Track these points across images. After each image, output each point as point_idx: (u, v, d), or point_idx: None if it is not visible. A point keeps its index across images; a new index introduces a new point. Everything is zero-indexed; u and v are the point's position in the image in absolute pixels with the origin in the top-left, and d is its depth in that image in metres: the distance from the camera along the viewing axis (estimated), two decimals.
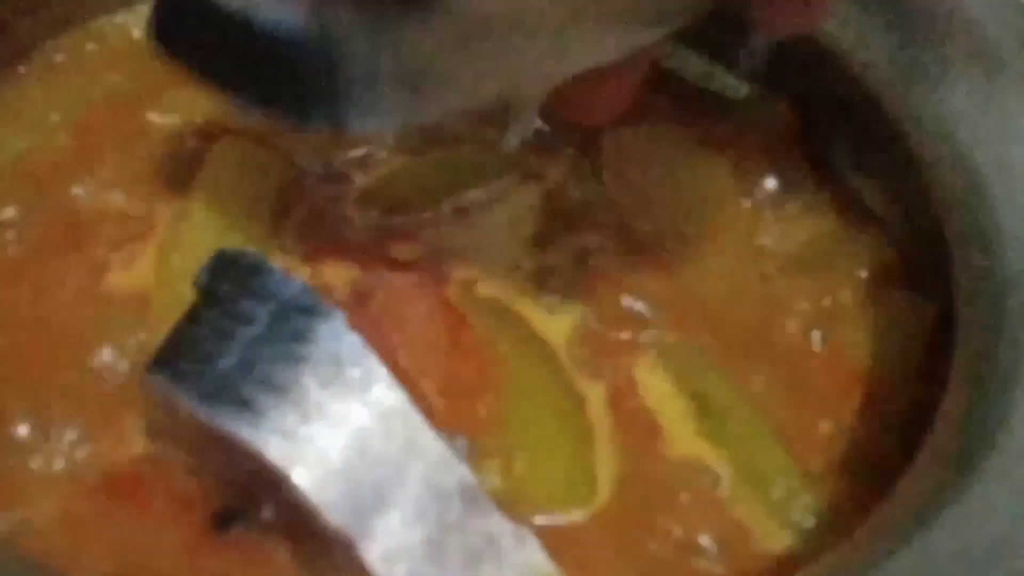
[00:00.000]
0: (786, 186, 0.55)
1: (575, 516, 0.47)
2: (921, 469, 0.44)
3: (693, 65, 0.59)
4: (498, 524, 0.44)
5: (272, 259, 0.47)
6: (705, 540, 0.47)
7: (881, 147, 0.54)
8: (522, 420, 0.48)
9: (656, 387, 0.50)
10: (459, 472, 0.43)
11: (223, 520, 0.45)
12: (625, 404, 0.49)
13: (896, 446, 0.48)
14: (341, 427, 0.42)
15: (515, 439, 0.48)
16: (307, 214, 0.53)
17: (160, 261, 0.51)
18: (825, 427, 0.49)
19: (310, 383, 0.42)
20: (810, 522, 0.47)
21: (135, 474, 0.46)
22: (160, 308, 0.49)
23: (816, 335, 0.51)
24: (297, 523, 0.43)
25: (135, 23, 0.57)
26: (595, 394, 0.50)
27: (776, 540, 0.47)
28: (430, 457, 0.43)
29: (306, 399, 0.42)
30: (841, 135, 0.56)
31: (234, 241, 0.50)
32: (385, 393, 0.42)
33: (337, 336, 0.42)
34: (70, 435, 0.46)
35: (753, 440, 0.49)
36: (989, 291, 0.48)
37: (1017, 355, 0.46)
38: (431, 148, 0.55)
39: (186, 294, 0.45)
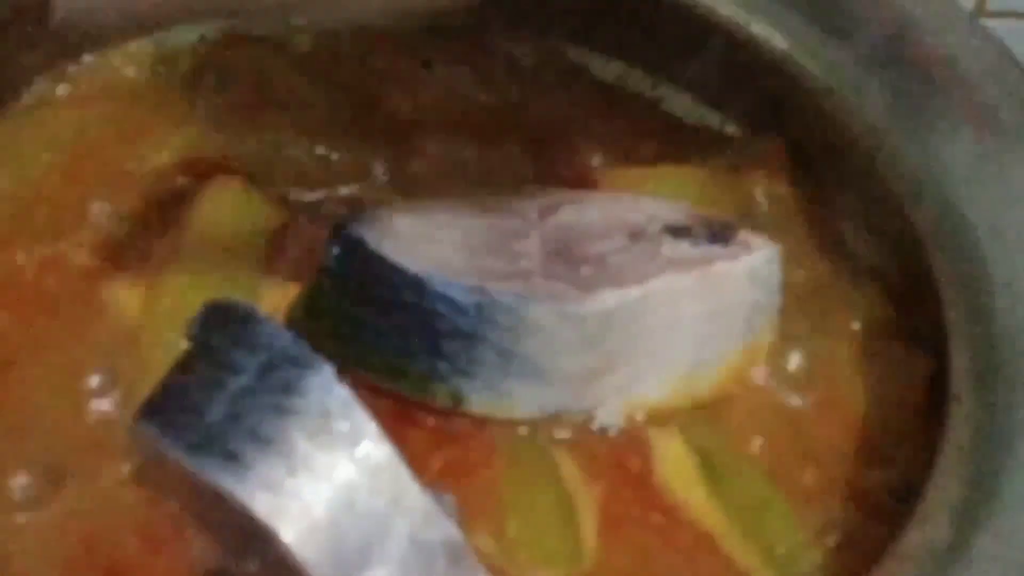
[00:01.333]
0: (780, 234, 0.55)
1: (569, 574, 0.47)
2: (922, 522, 0.45)
3: (682, 105, 0.60)
4: None
5: (264, 297, 0.48)
6: None
7: (876, 200, 0.55)
8: (514, 481, 0.49)
9: (659, 444, 0.50)
10: (445, 529, 0.43)
11: None
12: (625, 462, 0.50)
13: (896, 498, 0.48)
14: (327, 481, 0.41)
15: (507, 501, 0.48)
16: (300, 253, 0.53)
17: (150, 301, 0.51)
18: (823, 481, 0.50)
19: (297, 436, 0.41)
20: None
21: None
22: (149, 350, 0.49)
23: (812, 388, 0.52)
24: None
25: (126, 61, 0.58)
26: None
27: None
28: (416, 513, 0.42)
29: (293, 452, 0.41)
30: (836, 186, 0.56)
31: (225, 282, 0.51)
32: (373, 447, 0.42)
33: (326, 389, 0.42)
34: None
35: (756, 496, 0.49)
36: (982, 344, 0.48)
37: (1012, 406, 0.46)
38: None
39: (174, 336, 0.46)
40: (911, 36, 0.55)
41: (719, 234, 0.52)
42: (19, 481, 0.47)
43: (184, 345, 0.45)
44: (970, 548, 0.43)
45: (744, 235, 0.52)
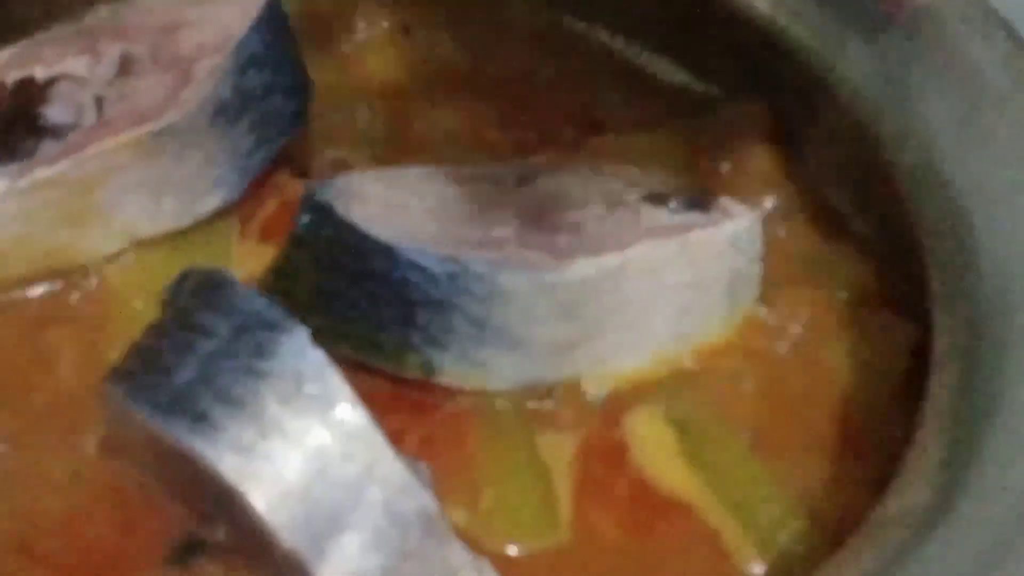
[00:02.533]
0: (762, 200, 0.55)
1: (545, 545, 0.47)
2: (904, 487, 0.44)
3: (662, 70, 0.60)
4: (457, 554, 0.44)
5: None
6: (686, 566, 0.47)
7: (860, 164, 0.55)
8: (489, 453, 0.48)
9: (637, 415, 0.50)
10: (420, 498, 0.43)
11: (185, 550, 0.45)
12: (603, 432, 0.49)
13: (878, 466, 0.48)
14: (300, 446, 0.41)
15: (482, 473, 0.48)
16: (278, 211, 0.53)
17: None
18: (806, 449, 0.50)
19: (269, 399, 0.41)
20: (796, 546, 0.47)
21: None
22: (118, 324, 0.49)
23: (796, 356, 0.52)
24: (250, 545, 0.43)
25: None
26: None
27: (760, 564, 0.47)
28: (391, 481, 0.42)
29: (264, 415, 0.41)
30: (819, 149, 0.56)
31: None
32: (348, 413, 0.42)
33: (299, 352, 0.42)
34: None
35: (736, 466, 0.49)
36: (967, 311, 0.48)
37: (995, 369, 0.46)
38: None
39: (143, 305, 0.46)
40: None
41: (698, 201, 0.52)
42: None
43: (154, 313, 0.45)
44: (952, 511, 0.43)
45: (724, 202, 0.52)
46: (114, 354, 0.46)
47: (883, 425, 0.50)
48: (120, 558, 0.45)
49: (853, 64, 0.55)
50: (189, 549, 0.45)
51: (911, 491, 0.45)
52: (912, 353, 0.51)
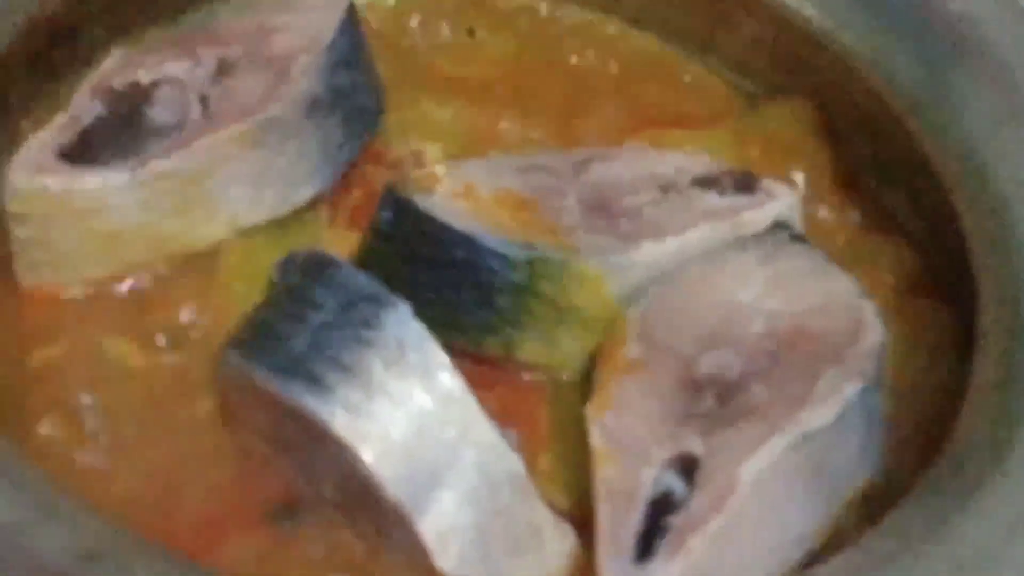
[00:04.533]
0: (813, 191, 0.59)
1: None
2: (949, 460, 0.48)
3: (709, 70, 0.65)
4: (542, 515, 0.48)
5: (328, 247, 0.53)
6: None
7: (904, 160, 0.59)
8: (551, 422, 0.52)
9: None
10: (510, 461, 0.47)
11: (284, 510, 0.49)
12: None
13: (920, 450, 0.51)
14: (403, 407, 0.46)
15: (544, 439, 0.52)
16: (363, 200, 0.57)
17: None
18: None
19: (376, 365, 0.46)
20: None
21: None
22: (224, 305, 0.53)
23: None
24: (353, 502, 0.47)
25: None
26: None
27: None
28: (484, 444, 0.47)
29: (371, 379, 0.46)
30: (864, 146, 0.61)
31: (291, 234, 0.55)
32: (446, 379, 0.46)
33: (403, 324, 0.47)
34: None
35: None
36: (1010, 300, 0.52)
37: None
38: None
39: (245, 287, 0.52)
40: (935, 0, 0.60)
41: (743, 183, 0.56)
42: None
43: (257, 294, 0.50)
44: (1000, 472, 0.47)
45: (766, 183, 0.56)
46: (220, 332, 0.51)
47: (930, 405, 0.53)
48: (222, 518, 0.49)
49: (895, 64, 0.59)
50: (288, 510, 0.49)
51: (955, 464, 0.48)
52: (956, 339, 0.55)
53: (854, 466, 0.49)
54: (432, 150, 0.59)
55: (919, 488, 0.48)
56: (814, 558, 0.48)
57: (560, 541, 0.48)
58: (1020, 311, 0.52)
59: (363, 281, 0.48)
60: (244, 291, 0.52)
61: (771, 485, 0.47)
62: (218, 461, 0.50)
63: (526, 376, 0.53)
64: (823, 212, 0.59)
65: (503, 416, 0.49)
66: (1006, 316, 0.52)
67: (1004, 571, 0.45)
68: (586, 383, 0.52)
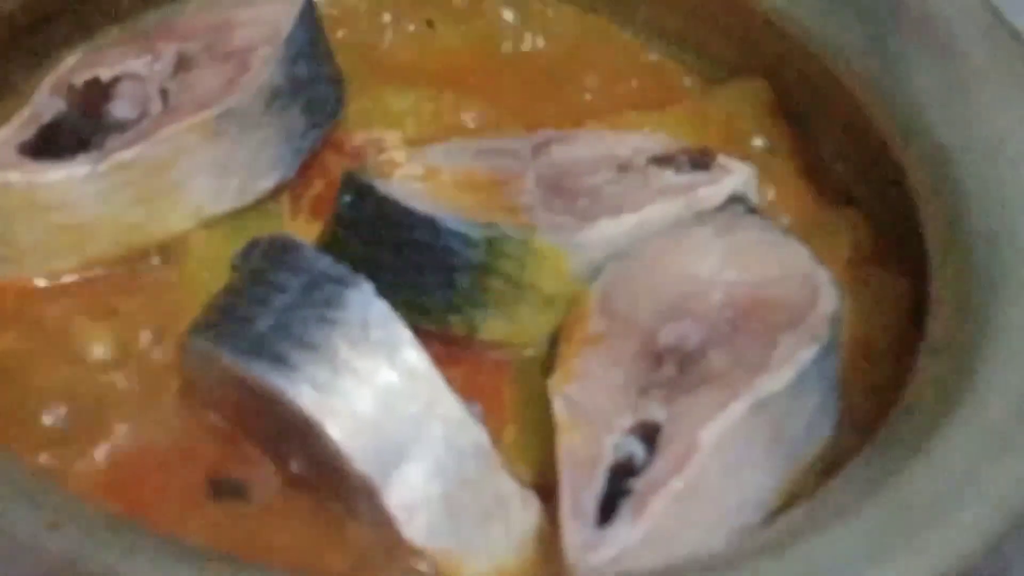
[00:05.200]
0: (767, 167, 0.60)
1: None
2: (895, 427, 0.49)
3: (660, 50, 0.66)
4: (507, 485, 0.49)
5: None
6: None
7: (855, 134, 0.60)
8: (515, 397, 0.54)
9: None
10: (476, 434, 0.48)
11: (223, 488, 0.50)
12: None
13: (875, 410, 0.52)
14: (369, 384, 0.47)
15: (508, 413, 0.53)
16: (325, 191, 0.58)
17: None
18: None
19: (341, 343, 0.47)
20: None
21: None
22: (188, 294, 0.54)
23: None
24: (323, 478, 0.48)
25: None
26: None
27: None
28: (450, 417, 0.48)
29: (337, 357, 0.47)
30: (818, 122, 0.62)
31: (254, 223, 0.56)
32: (411, 355, 0.48)
33: (366, 303, 0.48)
34: None
35: None
36: (959, 266, 0.53)
37: (988, 304, 0.51)
38: None
39: (209, 276, 0.53)
40: None
41: (700, 161, 0.57)
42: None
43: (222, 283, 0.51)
44: (955, 414, 0.48)
45: (721, 159, 0.57)
46: (185, 320, 0.52)
47: (884, 368, 0.55)
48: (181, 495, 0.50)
49: (843, 37, 0.61)
50: (228, 488, 0.50)
51: (913, 411, 0.49)
52: (909, 307, 0.56)
53: (812, 429, 0.51)
54: (392, 137, 0.60)
55: (872, 443, 0.49)
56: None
57: (526, 510, 0.49)
58: (969, 277, 0.53)
59: (326, 262, 0.49)
60: (209, 280, 0.53)
61: (731, 448, 0.48)
62: (179, 441, 0.51)
63: (491, 354, 0.54)
64: (778, 187, 0.60)
65: (469, 392, 0.50)
66: (955, 282, 0.53)
67: (954, 520, 0.46)
68: (549, 359, 0.53)
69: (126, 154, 0.53)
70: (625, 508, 0.47)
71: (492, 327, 0.54)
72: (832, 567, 0.44)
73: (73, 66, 0.57)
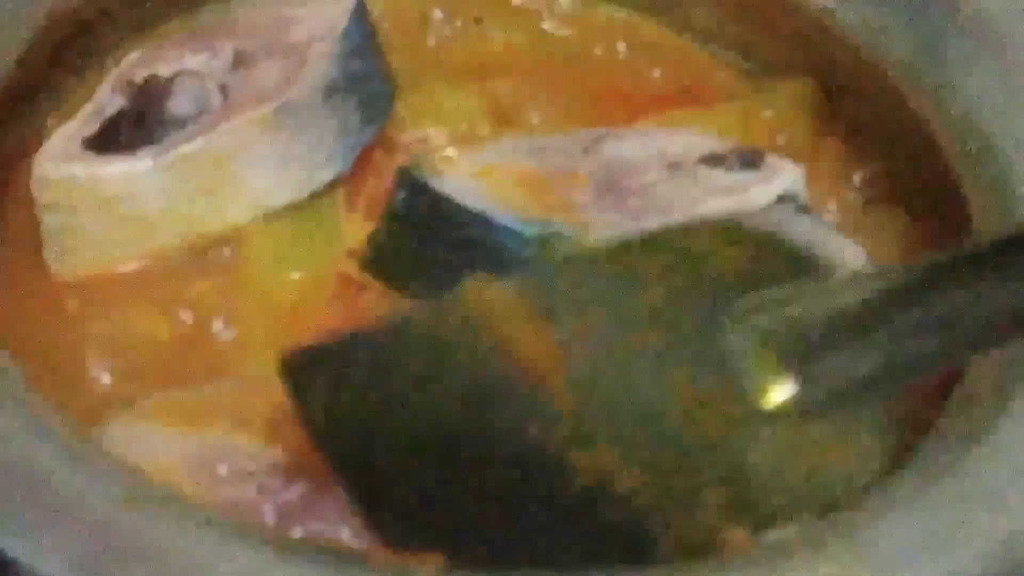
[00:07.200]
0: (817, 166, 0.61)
1: None
2: (954, 416, 0.50)
3: (708, 50, 0.67)
4: None
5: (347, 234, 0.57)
6: None
7: (906, 134, 0.61)
8: None
9: None
10: None
11: None
12: None
13: (932, 403, 0.52)
14: None
15: None
16: (379, 189, 0.59)
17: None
18: None
19: None
20: None
21: None
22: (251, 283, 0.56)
23: None
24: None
25: None
26: None
27: None
28: None
29: None
30: (867, 122, 0.63)
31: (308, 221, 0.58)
32: None
33: None
34: None
35: None
36: None
37: None
38: None
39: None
40: None
41: (749, 160, 0.57)
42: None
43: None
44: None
45: (771, 159, 0.58)
46: (245, 311, 0.55)
47: None
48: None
49: (894, 38, 0.61)
50: None
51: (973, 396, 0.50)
52: None
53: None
54: (443, 135, 0.61)
55: (930, 435, 0.50)
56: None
57: None
58: None
59: None
60: (268, 272, 0.56)
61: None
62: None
63: None
64: (824, 186, 0.61)
65: None
66: None
67: (1012, 511, 0.46)
68: None
69: (188, 147, 0.55)
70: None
71: None
72: (891, 558, 0.45)
73: (134, 62, 0.59)
